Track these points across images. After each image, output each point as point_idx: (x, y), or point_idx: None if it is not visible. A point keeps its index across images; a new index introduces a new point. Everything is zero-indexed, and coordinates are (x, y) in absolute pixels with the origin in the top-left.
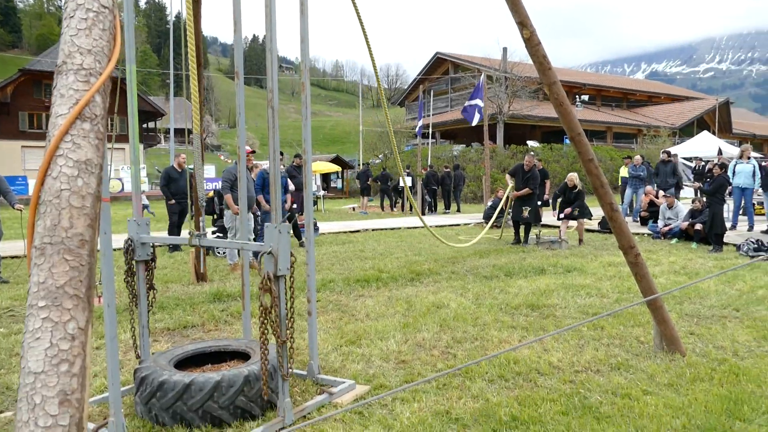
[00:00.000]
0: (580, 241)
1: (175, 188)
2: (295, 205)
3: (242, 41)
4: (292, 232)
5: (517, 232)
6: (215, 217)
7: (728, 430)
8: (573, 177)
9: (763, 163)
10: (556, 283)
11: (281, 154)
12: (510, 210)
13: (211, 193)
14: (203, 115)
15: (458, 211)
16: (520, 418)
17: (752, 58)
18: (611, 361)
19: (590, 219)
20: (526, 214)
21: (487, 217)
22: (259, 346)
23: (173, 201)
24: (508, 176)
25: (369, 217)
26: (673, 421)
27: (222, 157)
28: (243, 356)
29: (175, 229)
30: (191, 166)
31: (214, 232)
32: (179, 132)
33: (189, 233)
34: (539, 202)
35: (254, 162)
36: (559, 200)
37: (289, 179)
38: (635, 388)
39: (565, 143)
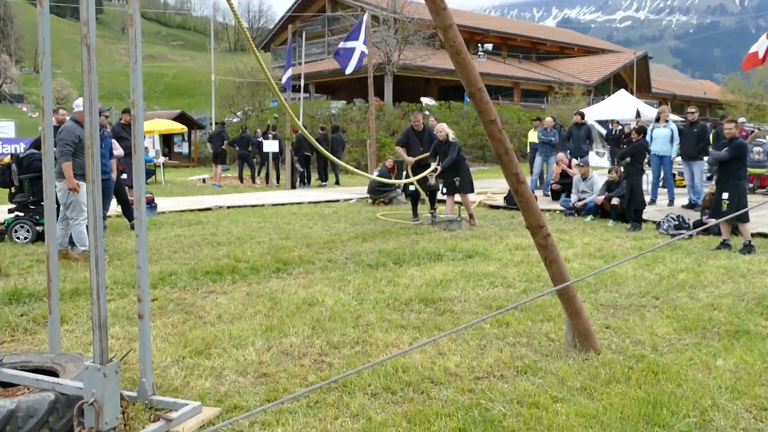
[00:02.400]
0: (471, 216)
1: None
2: (124, 175)
3: None
4: (120, 209)
5: (415, 208)
6: (12, 191)
7: None
8: (442, 127)
9: (682, 127)
10: (454, 272)
11: (104, 108)
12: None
13: (7, 159)
14: None
15: (337, 183)
16: None
17: (672, 6)
18: (517, 363)
19: (471, 192)
20: (432, 181)
21: (373, 192)
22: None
23: None
24: (399, 149)
25: (224, 191)
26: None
27: (25, 110)
28: (49, 375)
29: None
30: None
31: (11, 211)
32: None
33: None
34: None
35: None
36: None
37: (115, 141)
38: (544, 395)
39: (466, 101)
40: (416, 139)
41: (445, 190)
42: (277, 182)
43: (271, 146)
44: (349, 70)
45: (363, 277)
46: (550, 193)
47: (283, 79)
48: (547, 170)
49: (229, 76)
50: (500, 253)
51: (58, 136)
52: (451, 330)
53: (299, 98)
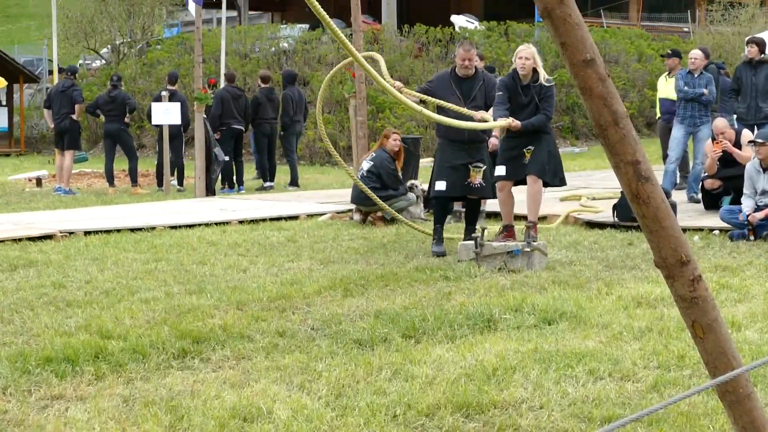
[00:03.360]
0: (532, 226)
1: None
2: None
3: None
4: None
5: (440, 224)
6: None
7: None
8: (531, 52)
9: None
10: (520, 352)
11: None
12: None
13: None
14: None
15: (293, 184)
16: None
17: None
18: None
19: (554, 181)
20: (477, 178)
21: (361, 201)
22: None
23: None
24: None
25: (79, 201)
26: None
27: None
28: None
29: None
30: None
31: None
32: None
33: None
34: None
35: None
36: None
37: None
38: None
39: (538, 22)
40: (458, 92)
41: (503, 171)
42: (180, 184)
43: (166, 114)
44: None
45: (346, 364)
46: (701, 194)
47: None
48: (696, 153)
49: None
50: (607, 315)
51: None
52: None
53: (217, 19)
